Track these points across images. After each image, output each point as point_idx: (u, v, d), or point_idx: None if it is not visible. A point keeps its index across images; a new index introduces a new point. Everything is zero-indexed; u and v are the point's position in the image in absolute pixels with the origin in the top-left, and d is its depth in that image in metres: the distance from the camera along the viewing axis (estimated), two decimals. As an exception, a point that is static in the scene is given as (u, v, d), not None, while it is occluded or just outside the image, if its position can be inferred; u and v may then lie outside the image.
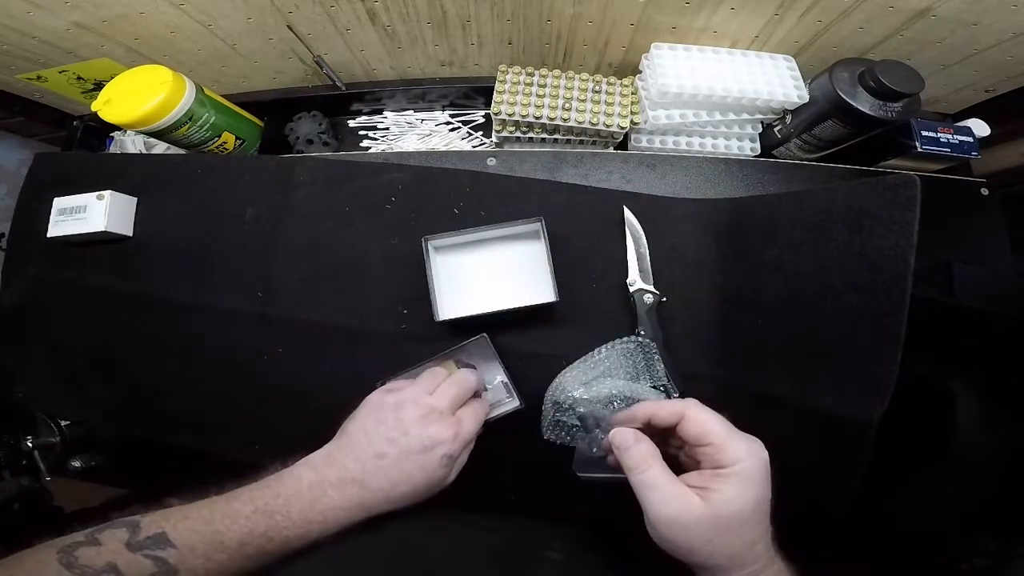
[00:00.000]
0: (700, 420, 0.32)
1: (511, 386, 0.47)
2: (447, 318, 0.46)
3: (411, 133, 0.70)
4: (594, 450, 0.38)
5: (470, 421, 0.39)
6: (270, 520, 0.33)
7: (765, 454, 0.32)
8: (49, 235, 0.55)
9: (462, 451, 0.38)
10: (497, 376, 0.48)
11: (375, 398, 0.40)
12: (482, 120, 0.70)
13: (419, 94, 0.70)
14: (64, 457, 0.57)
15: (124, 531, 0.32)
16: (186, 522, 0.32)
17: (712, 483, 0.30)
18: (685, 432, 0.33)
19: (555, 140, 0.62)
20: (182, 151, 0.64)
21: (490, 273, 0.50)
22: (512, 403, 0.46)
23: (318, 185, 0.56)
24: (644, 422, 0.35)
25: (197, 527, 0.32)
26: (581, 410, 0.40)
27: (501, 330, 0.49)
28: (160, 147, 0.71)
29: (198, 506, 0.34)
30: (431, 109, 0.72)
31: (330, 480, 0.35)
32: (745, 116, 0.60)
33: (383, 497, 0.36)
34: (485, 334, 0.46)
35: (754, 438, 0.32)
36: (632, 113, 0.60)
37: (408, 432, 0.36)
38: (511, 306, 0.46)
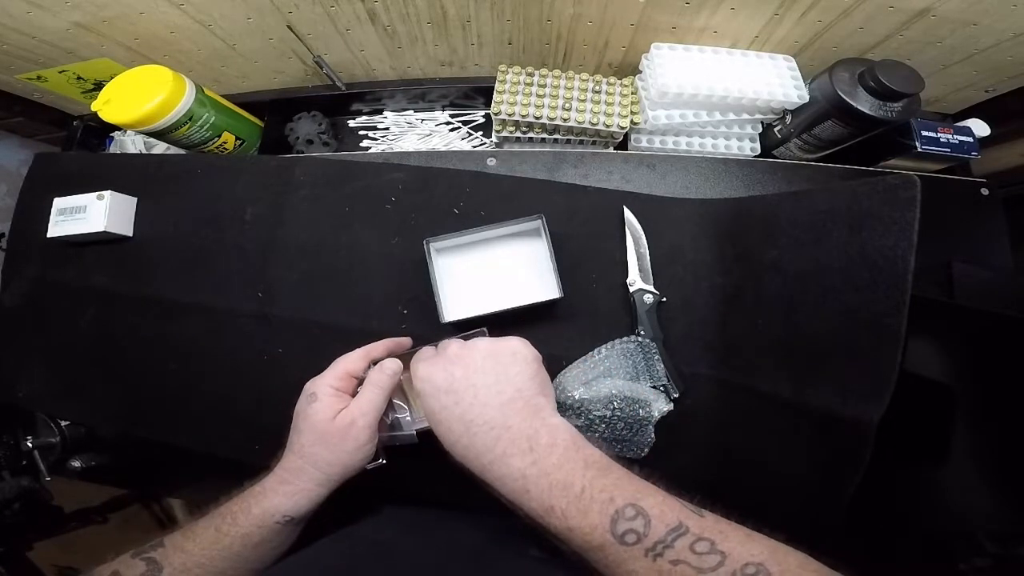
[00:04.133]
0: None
1: None
2: (452, 319, 0.46)
3: (411, 133, 0.70)
4: None
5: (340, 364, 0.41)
6: (229, 505, 0.37)
7: (426, 372, 0.36)
8: (49, 235, 0.55)
9: (331, 389, 0.39)
10: None
11: None
12: (482, 120, 0.70)
13: (419, 94, 0.70)
14: (64, 457, 0.57)
15: (139, 546, 0.36)
16: (179, 528, 0.37)
17: None
18: None
19: (555, 140, 0.62)
20: (182, 151, 0.64)
21: (493, 273, 0.50)
22: None
23: (318, 185, 0.56)
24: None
25: (182, 530, 0.36)
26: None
27: (501, 329, 0.49)
28: (160, 147, 0.71)
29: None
30: (431, 109, 0.72)
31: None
32: (745, 116, 0.60)
33: (314, 460, 0.37)
34: (484, 328, 0.46)
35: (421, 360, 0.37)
36: (632, 113, 0.60)
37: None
38: (515, 305, 0.46)
